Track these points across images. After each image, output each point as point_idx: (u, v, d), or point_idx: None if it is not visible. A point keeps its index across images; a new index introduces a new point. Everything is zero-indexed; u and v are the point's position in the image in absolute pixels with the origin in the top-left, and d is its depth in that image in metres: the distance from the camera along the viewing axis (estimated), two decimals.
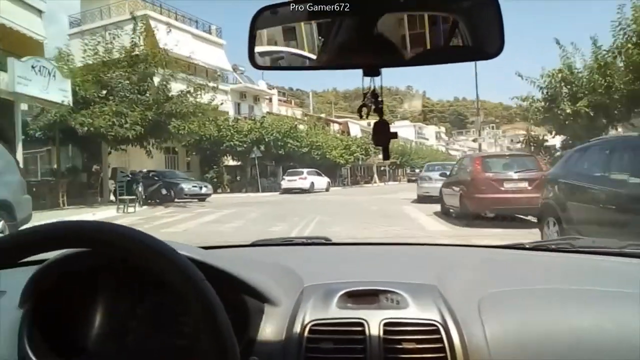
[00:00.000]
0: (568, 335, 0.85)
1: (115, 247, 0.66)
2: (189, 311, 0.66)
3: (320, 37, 0.80)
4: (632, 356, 0.80)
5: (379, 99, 0.80)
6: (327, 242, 1.69)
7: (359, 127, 54.10)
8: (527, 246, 1.51)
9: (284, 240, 1.74)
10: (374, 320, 0.88)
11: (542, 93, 17.74)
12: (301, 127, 35.11)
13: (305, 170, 30.05)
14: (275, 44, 0.83)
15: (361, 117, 0.84)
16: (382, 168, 53.44)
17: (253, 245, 1.63)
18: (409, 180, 46.42)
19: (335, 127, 55.57)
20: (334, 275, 1.10)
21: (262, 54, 0.83)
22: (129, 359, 0.90)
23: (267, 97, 45.25)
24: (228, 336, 0.64)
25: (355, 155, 41.95)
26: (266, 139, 30.08)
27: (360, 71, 0.78)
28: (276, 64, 0.85)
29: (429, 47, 0.79)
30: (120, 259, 0.77)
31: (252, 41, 0.80)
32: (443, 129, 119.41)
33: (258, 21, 0.80)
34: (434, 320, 0.88)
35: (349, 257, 1.51)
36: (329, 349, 0.86)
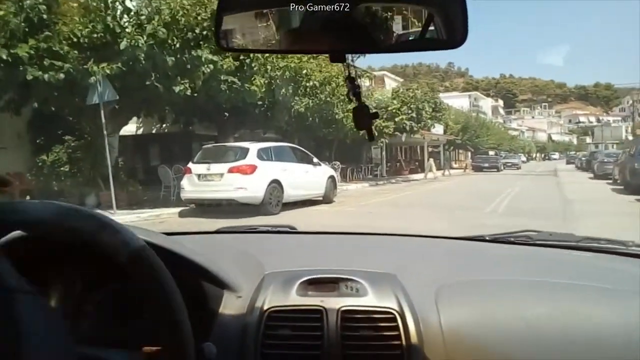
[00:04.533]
0: (521, 325, 0.89)
1: (69, 228, 0.65)
2: (145, 295, 0.65)
3: (287, 21, 0.79)
4: (581, 344, 0.85)
5: (356, 82, 0.82)
6: (291, 231, 1.68)
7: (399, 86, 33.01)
8: (487, 238, 1.51)
9: (249, 227, 1.73)
10: (333, 308, 0.90)
11: None
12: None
13: (251, 147, 10.12)
14: (242, 26, 0.81)
15: (350, 101, 0.83)
16: (430, 149, 32.99)
17: (217, 232, 1.64)
18: (476, 168, 35.17)
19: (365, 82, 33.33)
20: (296, 263, 1.11)
21: (227, 35, 0.80)
22: (81, 342, 0.83)
23: None
24: (182, 320, 0.65)
25: (399, 121, 21.28)
26: None
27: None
28: (242, 46, 0.85)
29: (394, 34, 0.80)
30: (76, 241, 0.71)
31: (219, 22, 0.78)
32: (501, 102, 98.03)
33: (225, 4, 0.78)
34: (392, 309, 0.90)
35: (311, 246, 1.51)
36: (287, 336, 0.88)
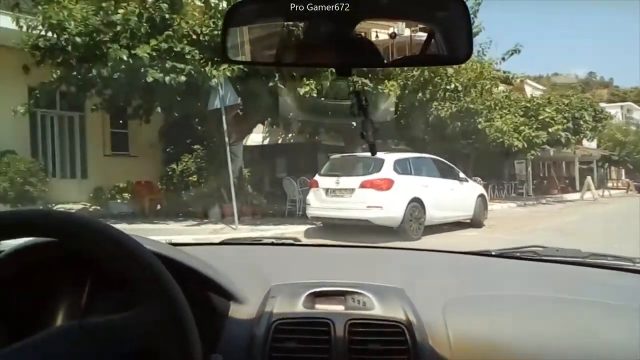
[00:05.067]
0: (528, 340, 0.89)
1: (81, 239, 0.67)
2: (153, 306, 0.66)
3: (294, 36, 0.80)
4: None
5: (362, 97, 0.85)
6: (296, 243, 1.65)
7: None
8: (493, 253, 1.49)
9: (253, 239, 1.76)
10: (340, 320, 0.89)
11: None
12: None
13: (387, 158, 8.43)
14: (249, 40, 0.80)
15: (354, 115, 0.87)
16: (583, 166, 28.41)
17: (222, 243, 1.65)
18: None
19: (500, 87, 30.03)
20: (302, 276, 1.10)
21: (234, 49, 0.80)
22: None
23: None
24: (191, 332, 0.66)
25: (554, 132, 17.96)
26: None
27: None
28: (248, 59, 0.84)
29: (400, 51, 0.65)
30: (83, 252, 0.75)
31: (225, 36, 0.77)
32: None
33: (232, 17, 0.78)
34: (399, 322, 0.90)
35: (317, 258, 1.49)
36: (294, 348, 0.87)
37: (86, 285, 0.91)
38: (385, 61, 0.81)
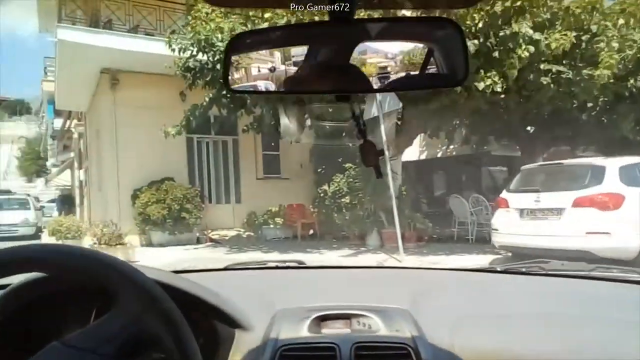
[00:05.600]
0: (537, 358, 0.88)
1: (80, 271, 0.68)
2: (158, 337, 0.67)
3: (293, 63, 0.80)
4: None
5: (361, 121, 0.89)
6: (300, 266, 1.65)
7: None
8: (499, 269, 1.49)
9: (257, 264, 1.72)
10: (346, 344, 0.88)
11: None
12: None
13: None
14: (250, 69, 0.82)
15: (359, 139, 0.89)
16: None
17: (226, 269, 1.61)
18: None
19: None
20: (307, 299, 1.10)
21: (237, 78, 0.82)
22: None
23: None
24: None
25: None
26: None
27: None
28: (251, 88, 0.85)
29: (398, 75, 0.80)
30: (88, 283, 0.75)
31: (227, 65, 0.80)
32: None
33: (234, 46, 0.80)
34: (406, 344, 0.89)
35: (322, 281, 1.47)
36: None
37: (91, 316, 0.92)
38: (383, 86, 0.80)
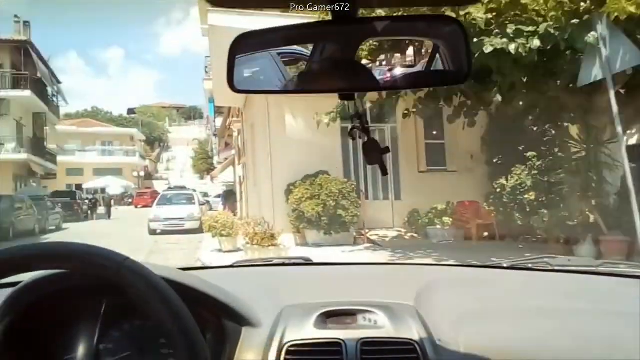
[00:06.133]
0: (544, 354, 0.88)
1: (88, 267, 0.70)
2: (165, 333, 0.69)
3: (297, 63, 0.83)
4: None
5: (364, 119, 0.85)
6: (306, 263, 1.65)
7: None
8: (505, 265, 1.48)
9: (264, 261, 1.75)
10: (352, 340, 0.89)
11: None
12: None
13: None
14: (254, 69, 0.82)
15: (353, 139, 0.89)
16: None
17: (232, 266, 1.62)
18: None
19: None
20: (313, 296, 1.11)
21: (241, 78, 0.81)
22: None
23: None
24: (203, 358, 0.67)
25: None
26: None
27: None
28: (255, 88, 0.88)
29: (401, 73, 0.83)
30: (97, 280, 0.78)
31: (231, 66, 0.79)
32: None
33: (238, 46, 0.79)
34: (411, 340, 0.90)
35: (328, 278, 1.48)
36: None
37: (100, 313, 0.96)
38: (386, 84, 0.83)
